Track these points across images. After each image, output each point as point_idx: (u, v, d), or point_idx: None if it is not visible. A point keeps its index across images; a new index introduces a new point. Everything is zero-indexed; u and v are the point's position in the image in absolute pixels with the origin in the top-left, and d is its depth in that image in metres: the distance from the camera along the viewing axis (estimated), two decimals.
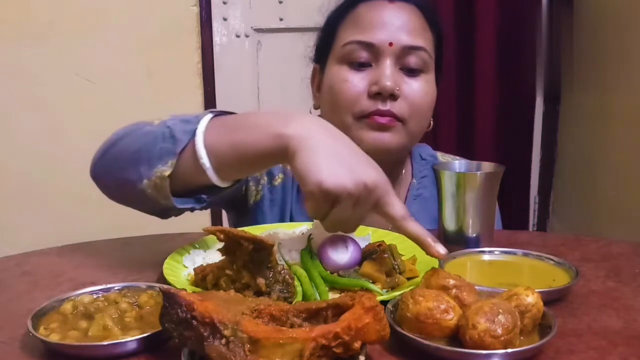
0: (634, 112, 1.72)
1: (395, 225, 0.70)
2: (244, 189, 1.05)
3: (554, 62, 2.11)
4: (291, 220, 1.04)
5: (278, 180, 1.06)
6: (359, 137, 0.95)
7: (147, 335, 0.56)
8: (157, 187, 0.76)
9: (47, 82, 1.90)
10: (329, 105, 1.00)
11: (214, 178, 0.75)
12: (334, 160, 0.66)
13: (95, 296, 0.65)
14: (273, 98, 2.04)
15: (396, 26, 0.96)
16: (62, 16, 1.88)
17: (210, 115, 0.78)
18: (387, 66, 0.95)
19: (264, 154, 0.72)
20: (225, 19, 1.99)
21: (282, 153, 0.69)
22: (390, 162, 1.01)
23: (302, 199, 1.05)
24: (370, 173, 0.67)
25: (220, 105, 2.02)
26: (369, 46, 0.96)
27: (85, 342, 0.56)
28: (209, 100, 2.01)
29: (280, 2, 2.00)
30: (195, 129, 0.75)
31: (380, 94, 0.94)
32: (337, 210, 0.67)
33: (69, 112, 1.93)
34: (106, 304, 0.63)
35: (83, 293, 0.66)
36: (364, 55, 0.96)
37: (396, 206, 0.69)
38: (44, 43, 1.88)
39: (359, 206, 0.67)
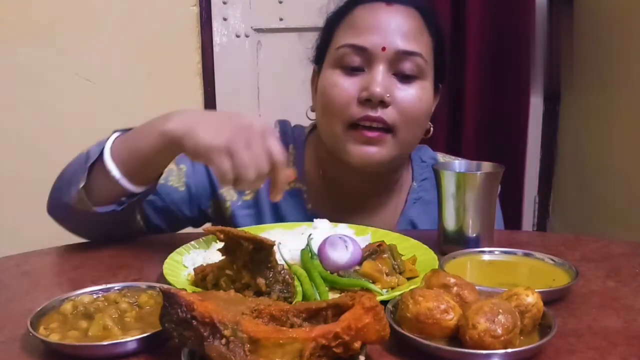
0: (634, 111, 1.72)
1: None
2: (209, 211, 1.07)
3: (554, 62, 2.11)
4: None
5: (250, 196, 1.05)
6: (346, 149, 0.93)
7: (147, 335, 0.56)
8: (81, 200, 0.85)
9: (47, 82, 1.90)
10: (320, 109, 0.98)
11: (126, 184, 0.85)
12: (209, 126, 0.77)
13: (95, 296, 0.65)
14: (273, 98, 2.04)
15: (391, 30, 0.93)
16: (62, 16, 1.88)
17: (117, 133, 0.89)
18: (379, 72, 0.92)
19: (157, 152, 0.82)
20: (225, 19, 1.99)
21: (172, 146, 0.80)
22: (384, 172, 1.00)
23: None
24: (240, 118, 0.77)
25: (220, 105, 2.01)
26: (361, 50, 0.93)
27: (85, 342, 0.56)
28: (209, 100, 2.01)
29: (280, 2, 2.00)
30: (104, 146, 0.86)
31: (370, 100, 0.91)
32: (237, 158, 0.74)
33: (69, 112, 1.93)
34: (106, 304, 0.63)
35: (83, 293, 0.66)
36: (356, 59, 0.93)
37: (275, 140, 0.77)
38: (44, 43, 1.88)
39: (252, 144, 0.74)
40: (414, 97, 0.93)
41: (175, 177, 1.01)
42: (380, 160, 0.93)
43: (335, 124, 0.94)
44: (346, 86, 0.93)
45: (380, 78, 0.91)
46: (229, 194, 1.04)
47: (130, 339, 0.55)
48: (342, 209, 0.97)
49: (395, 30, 0.93)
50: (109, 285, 0.67)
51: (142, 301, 0.64)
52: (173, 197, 1.01)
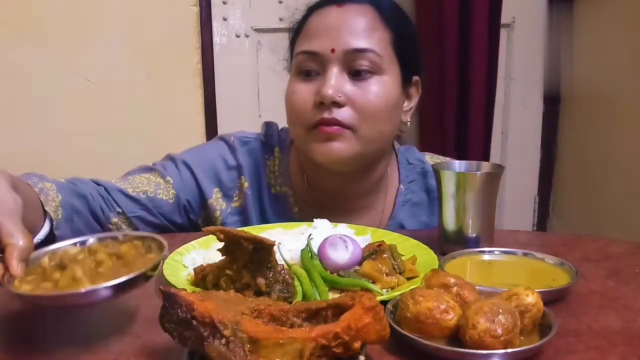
0: (634, 111, 1.72)
1: None
2: (199, 222, 1.06)
3: (553, 62, 2.11)
4: None
5: (238, 202, 1.06)
6: (310, 149, 0.94)
7: (106, 286, 0.55)
8: None
9: (47, 82, 1.90)
10: (287, 117, 1.00)
11: None
12: None
13: (79, 247, 0.65)
14: (273, 98, 2.03)
15: (340, 31, 0.93)
16: (62, 16, 1.88)
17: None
18: (332, 74, 0.92)
19: None
20: (225, 19, 1.99)
21: None
22: (359, 169, 0.99)
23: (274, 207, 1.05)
24: None
25: (220, 105, 2.02)
26: (314, 55, 0.94)
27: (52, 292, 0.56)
28: (209, 100, 2.01)
29: (280, 2, 2.00)
30: None
31: (323, 103, 0.92)
32: None
33: (69, 112, 1.93)
34: (87, 254, 0.63)
35: (67, 245, 0.66)
36: (311, 65, 0.94)
37: None
38: (44, 43, 1.88)
39: None
40: (369, 93, 0.93)
41: (163, 189, 1.02)
42: (342, 155, 0.93)
43: (298, 128, 0.96)
44: (303, 92, 0.95)
45: (333, 80, 0.92)
46: (218, 203, 1.05)
47: (87, 290, 0.55)
48: (328, 212, 0.97)
49: (344, 30, 0.93)
50: (94, 235, 0.67)
51: (123, 251, 0.63)
52: (164, 209, 1.01)
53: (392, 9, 1.00)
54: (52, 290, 0.57)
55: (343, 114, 0.92)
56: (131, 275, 0.56)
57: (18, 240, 0.60)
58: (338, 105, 0.92)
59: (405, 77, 0.99)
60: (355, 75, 0.93)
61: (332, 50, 0.92)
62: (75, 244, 0.66)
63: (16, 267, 0.58)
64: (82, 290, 0.55)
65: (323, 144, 0.93)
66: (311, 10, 0.99)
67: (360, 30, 0.94)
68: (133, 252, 0.63)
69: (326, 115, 0.92)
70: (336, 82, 0.92)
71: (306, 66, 0.95)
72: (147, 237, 0.66)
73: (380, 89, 0.94)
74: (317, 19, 0.97)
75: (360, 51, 0.92)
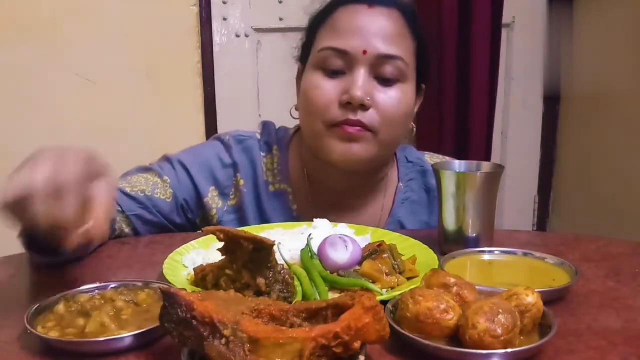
0: (634, 111, 1.72)
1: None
2: (197, 221, 1.06)
3: (554, 62, 2.11)
4: None
5: (235, 200, 1.06)
6: (329, 146, 0.94)
7: (145, 331, 0.56)
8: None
9: (47, 82, 1.90)
10: (302, 110, 0.99)
11: None
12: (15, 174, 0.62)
13: (91, 295, 0.66)
14: (273, 98, 2.04)
15: (372, 33, 0.92)
16: (62, 16, 1.88)
17: None
18: (360, 75, 0.92)
19: None
20: (225, 19, 1.99)
21: None
22: (367, 170, 1.00)
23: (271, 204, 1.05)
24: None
25: (220, 105, 2.02)
26: (343, 53, 0.93)
27: (83, 338, 0.57)
28: (209, 100, 2.01)
29: (280, 2, 2.00)
30: None
31: (350, 104, 0.91)
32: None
33: (69, 112, 1.93)
34: (102, 302, 0.63)
35: (80, 291, 0.66)
36: (338, 62, 0.94)
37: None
38: (44, 43, 1.88)
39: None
40: (394, 100, 0.93)
41: (161, 189, 1.02)
42: (361, 157, 0.93)
43: (316, 123, 0.95)
44: (327, 89, 0.94)
45: (361, 82, 0.91)
46: (214, 202, 1.05)
47: (128, 335, 0.56)
48: (328, 210, 0.97)
49: (377, 33, 0.93)
50: (105, 284, 0.67)
51: (140, 299, 0.64)
52: (162, 208, 1.02)
53: (415, 18, 1.00)
54: (82, 336, 0.57)
55: (368, 117, 0.92)
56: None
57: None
58: (365, 107, 0.92)
59: (417, 85, 1.01)
60: (382, 80, 0.93)
61: (364, 52, 0.92)
62: (85, 291, 0.66)
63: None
64: (130, 334, 0.56)
65: (343, 143, 0.93)
66: (338, 4, 0.98)
67: (392, 36, 0.94)
68: (150, 300, 0.64)
69: (352, 116, 0.91)
70: (365, 84, 0.92)
71: (332, 63, 0.94)
72: (155, 283, 0.67)
73: (404, 96, 0.95)
74: (346, 16, 0.96)
75: (391, 58, 0.93)
